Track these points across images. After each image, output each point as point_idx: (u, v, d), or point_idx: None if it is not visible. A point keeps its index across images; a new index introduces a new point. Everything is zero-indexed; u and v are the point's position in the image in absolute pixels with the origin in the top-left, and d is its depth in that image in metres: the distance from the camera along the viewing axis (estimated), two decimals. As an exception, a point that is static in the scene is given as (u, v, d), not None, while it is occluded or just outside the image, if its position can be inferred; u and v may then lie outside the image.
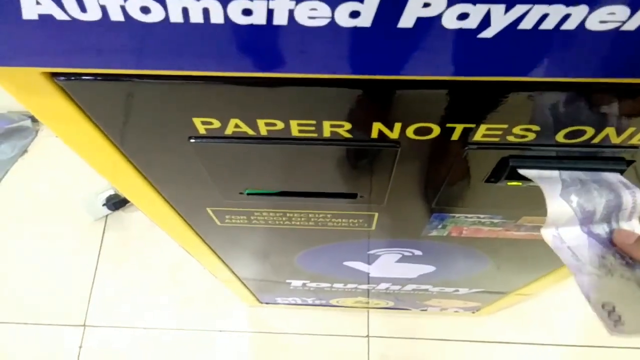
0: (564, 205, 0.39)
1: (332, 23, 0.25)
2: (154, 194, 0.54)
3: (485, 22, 0.25)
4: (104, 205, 1.53)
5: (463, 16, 0.24)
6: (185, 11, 0.25)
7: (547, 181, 0.40)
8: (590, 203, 0.39)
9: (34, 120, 1.71)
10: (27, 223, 1.60)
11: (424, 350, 1.37)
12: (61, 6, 0.25)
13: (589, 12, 0.23)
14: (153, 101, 0.36)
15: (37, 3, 0.25)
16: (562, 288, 1.39)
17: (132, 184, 0.51)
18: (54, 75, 0.34)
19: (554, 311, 1.39)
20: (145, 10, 0.25)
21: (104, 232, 1.57)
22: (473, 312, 1.33)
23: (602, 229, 0.41)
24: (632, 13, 0.23)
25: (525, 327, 1.39)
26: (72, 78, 0.34)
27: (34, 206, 1.62)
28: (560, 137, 0.38)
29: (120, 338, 1.43)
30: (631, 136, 0.37)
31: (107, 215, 1.58)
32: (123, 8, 0.25)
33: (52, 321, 1.47)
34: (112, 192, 1.54)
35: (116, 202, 1.53)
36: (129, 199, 0.56)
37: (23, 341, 1.45)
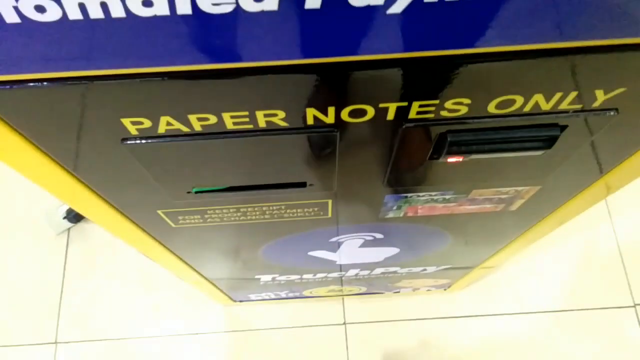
0: None
1: (238, 9, 0.24)
2: (100, 201, 0.52)
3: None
4: (64, 218, 1.48)
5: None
6: (82, 7, 0.24)
7: None
8: None
9: (-18, 137, 1.65)
10: (-14, 243, 1.55)
11: (402, 332, 1.39)
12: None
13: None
14: (77, 105, 0.35)
15: None
16: (524, 258, 1.43)
17: (76, 194, 0.50)
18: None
19: (521, 281, 1.43)
20: (40, 9, 0.24)
21: (67, 245, 1.52)
22: (445, 289, 1.35)
23: None
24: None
25: (495, 299, 1.42)
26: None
27: (-8, 225, 1.57)
28: (492, 108, 0.38)
29: (94, 351, 1.40)
30: (560, 101, 0.38)
31: (69, 228, 1.53)
32: (16, 9, 0.24)
33: (22, 341, 1.42)
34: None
35: (76, 214, 1.49)
36: (75, 209, 0.54)
37: (-8, 365, 1.40)
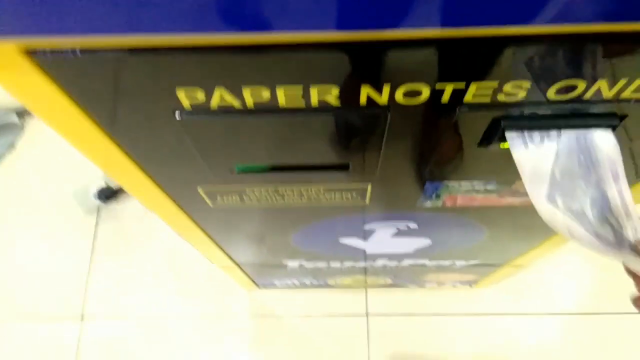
0: (550, 209, 0.39)
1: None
2: (143, 175, 0.53)
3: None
4: (95, 197, 1.51)
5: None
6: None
7: (535, 180, 0.40)
8: (575, 202, 0.39)
9: (20, 116, 1.69)
10: (19, 219, 1.59)
11: (423, 326, 1.38)
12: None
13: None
14: (134, 74, 0.35)
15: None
16: (554, 258, 1.40)
17: (121, 166, 0.50)
18: (30, 52, 0.33)
19: (548, 281, 1.41)
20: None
21: (97, 225, 1.55)
22: (470, 286, 1.34)
23: (608, 232, 0.39)
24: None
25: (521, 298, 1.40)
26: (50, 54, 0.33)
27: (24, 202, 1.61)
28: (551, 94, 0.37)
29: (119, 329, 1.43)
30: (623, 88, 0.36)
31: (99, 208, 1.56)
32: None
33: (49, 317, 1.46)
34: (103, 184, 1.52)
35: (108, 194, 1.52)
36: (118, 182, 0.55)
37: (20, 339, 1.44)
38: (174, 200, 0.62)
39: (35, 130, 1.71)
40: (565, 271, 1.41)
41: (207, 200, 0.61)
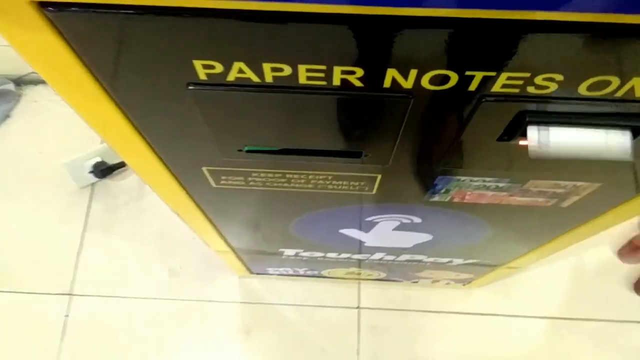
0: None
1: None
2: (146, 148, 0.51)
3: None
4: (90, 172, 1.49)
5: None
6: None
7: None
8: None
9: (17, 84, 1.65)
10: (11, 189, 1.56)
11: (414, 322, 1.37)
12: None
13: None
14: (151, 38, 0.33)
15: None
16: (547, 262, 1.40)
17: (124, 137, 0.48)
18: (42, 5, 0.31)
19: (540, 284, 1.41)
20: None
21: (90, 200, 1.53)
22: (464, 285, 1.33)
23: None
24: None
25: (512, 299, 1.40)
26: (63, 9, 0.31)
27: (17, 173, 1.58)
28: (583, 89, 0.36)
29: (107, 307, 1.41)
30: (658, 89, 0.35)
31: (93, 183, 1.54)
32: None
33: (37, 289, 1.44)
34: (99, 159, 1.49)
35: (103, 170, 1.49)
36: (119, 153, 0.53)
37: (7, 309, 1.42)
38: (176, 177, 0.60)
39: (33, 99, 1.67)
40: (554, 275, 1.41)
41: (211, 180, 0.60)
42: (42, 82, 1.50)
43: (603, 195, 0.58)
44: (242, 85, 0.38)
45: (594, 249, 1.41)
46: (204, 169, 0.56)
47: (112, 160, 1.51)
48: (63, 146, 1.54)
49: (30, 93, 1.66)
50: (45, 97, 1.64)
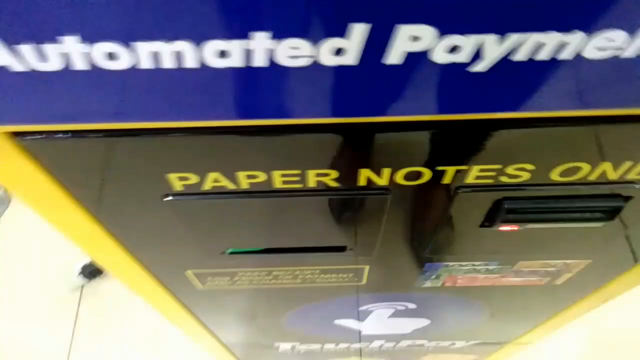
0: None
1: (315, 63, 0.23)
2: (129, 258, 0.50)
3: (477, 55, 0.23)
4: (79, 274, 1.46)
5: (454, 49, 0.23)
6: (156, 56, 0.23)
7: None
8: None
9: (7, 189, 1.66)
10: (0, 293, 1.51)
11: (423, 411, 1.29)
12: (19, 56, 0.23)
13: (587, 40, 0.22)
14: (124, 158, 0.34)
15: None
16: (559, 336, 1.35)
17: (106, 250, 0.48)
18: (17, 134, 0.31)
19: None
20: (111, 56, 0.23)
21: (79, 303, 1.48)
22: (471, 366, 1.27)
23: None
24: (631, 39, 0.22)
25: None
26: (37, 137, 0.31)
27: (7, 277, 1.54)
28: (555, 176, 0.36)
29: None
30: (628, 170, 0.36)
31: (82, 285, 1.50)
32: (87, 55, 0.23)
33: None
34: (87, 261, 1.47)
35: (92, 271, 1.46)
36: (102, 265, 0.52)
37: None
38: (160, 282, 0.58)
39: (22, 204, 1.67)
40: (566, 351, 1.36)
41: (196, 282, 0.58)
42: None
43: (596, 270, 0.57)
44: (218, 192, 0.38)
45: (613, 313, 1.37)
46: (189, 272, 0.55)
47: (101, 260, 1.48)
48: (52, 249, 1.52)
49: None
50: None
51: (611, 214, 0.40)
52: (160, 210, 0.40)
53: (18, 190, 0.37)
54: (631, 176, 0.36)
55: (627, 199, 0.39)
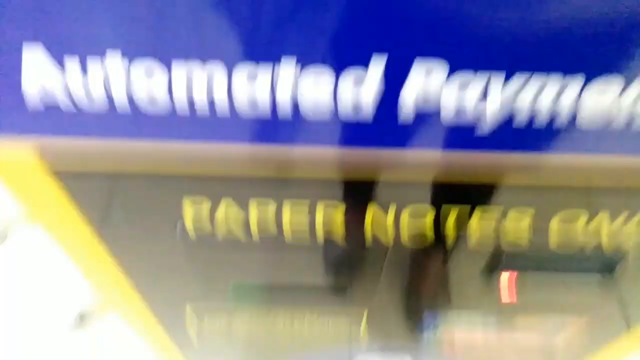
0: None
1: (334, 115, 0.26)
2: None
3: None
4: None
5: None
6: (191, 102, 0.25)
7: None
8: None
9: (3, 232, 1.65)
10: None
11: None
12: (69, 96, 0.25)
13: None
14: (143, 194, 0.36)
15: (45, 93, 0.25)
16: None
17: (112, 281, 0.48)
18: (59, 173, 0.33)
19: None
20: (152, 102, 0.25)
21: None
22: None
23: None
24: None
25: None
26: (78, 177, 0.33)
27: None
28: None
29: None
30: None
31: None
32: (130, 98, 0.25)
33: None
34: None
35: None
36: (104, 295, 0.52)
37: None
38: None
39: (17, 243, 1.65)
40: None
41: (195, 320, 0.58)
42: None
43: (595, 329, 0.57)
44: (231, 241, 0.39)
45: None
46: (187, 306, 0.55)
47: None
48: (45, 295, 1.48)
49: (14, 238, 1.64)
50: (28, 242, 1.62)
51: (609, 268, 0.41)
52: (173, 250, 0.42)
53: (43, 216, 0.38)
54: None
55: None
